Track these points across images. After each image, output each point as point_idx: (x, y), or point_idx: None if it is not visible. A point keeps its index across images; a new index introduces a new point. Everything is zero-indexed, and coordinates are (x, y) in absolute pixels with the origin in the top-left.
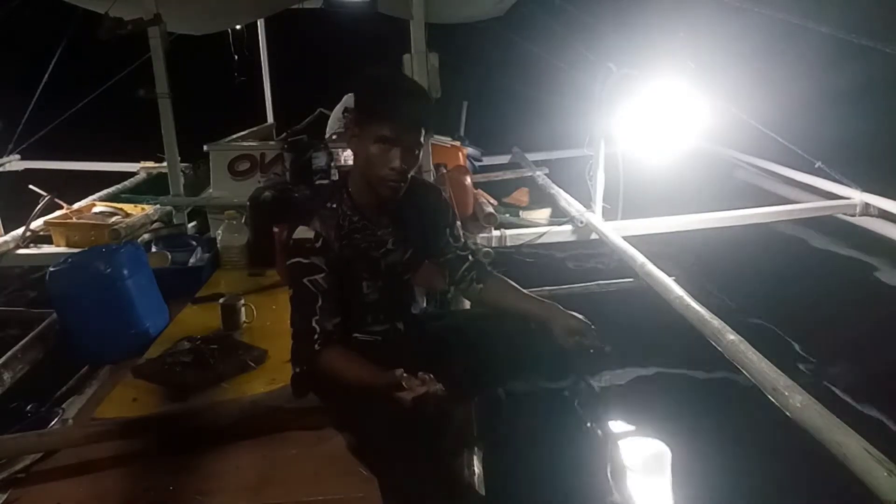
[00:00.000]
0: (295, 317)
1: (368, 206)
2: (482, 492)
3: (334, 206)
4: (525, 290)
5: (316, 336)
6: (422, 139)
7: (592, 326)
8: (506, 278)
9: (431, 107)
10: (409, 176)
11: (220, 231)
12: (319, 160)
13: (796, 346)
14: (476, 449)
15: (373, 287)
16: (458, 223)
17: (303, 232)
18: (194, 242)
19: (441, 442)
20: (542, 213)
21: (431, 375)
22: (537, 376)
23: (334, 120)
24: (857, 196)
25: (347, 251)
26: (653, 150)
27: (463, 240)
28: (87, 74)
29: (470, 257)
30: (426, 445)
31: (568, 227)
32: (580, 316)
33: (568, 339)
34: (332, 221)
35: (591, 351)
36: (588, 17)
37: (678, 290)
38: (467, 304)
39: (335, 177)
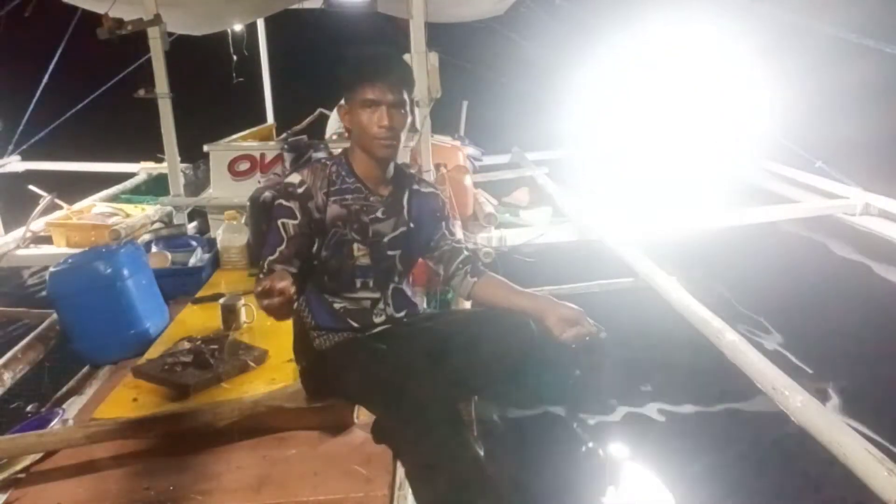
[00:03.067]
0: (262, 248)
1: (366, 175)
2: None
3: (329, 163)
4: (518, 287)
5: (264, 272)
6: (405, 97)
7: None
8: (499, 276)
9: (408, 67)
10: (401, 136)
11: (220, 231)
12: None
13: (796, 346)
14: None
15: (364, 251)
16: (458, 223)
17: (292, 178)
18: (194, 242)
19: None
20: (542, 213)
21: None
22: (537, 375)
23: (334, 120)
24: (857, 196)
25: (336, 208)
26: (653, 149)
27: (459, 235)
28: (88, 74)
29: (465, 251)
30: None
31: (568, 227)
32: (573, 305)
33: (565, 329)
34: (321, 174)
35: (588, 338)
36: (588, 17)
37: (678, 290)
38: (468, 305)
39: None
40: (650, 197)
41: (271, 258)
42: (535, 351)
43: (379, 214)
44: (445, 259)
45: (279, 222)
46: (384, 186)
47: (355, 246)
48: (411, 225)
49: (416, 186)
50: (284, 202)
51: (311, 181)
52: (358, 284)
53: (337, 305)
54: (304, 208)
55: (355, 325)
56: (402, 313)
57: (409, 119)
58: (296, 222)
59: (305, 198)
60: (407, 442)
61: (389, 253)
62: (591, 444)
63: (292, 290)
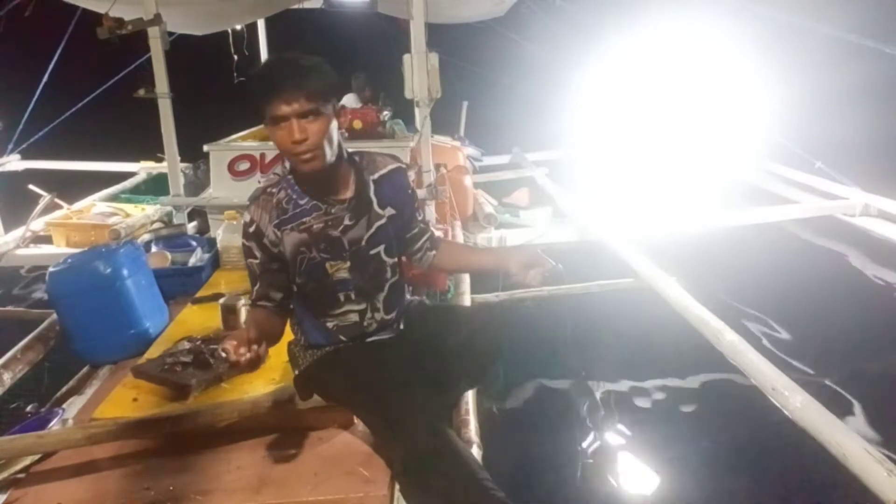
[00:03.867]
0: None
1: (318, 189)
2: None
3: (274, 191)
4: (474, 247)
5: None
6: (314, 103)
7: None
8: (452, 241)
9: (310, 67)
10: (324, 144)
11: (220, 231)
12: None
13: (796, 346)
14: (475, 448)
15: (339, 266)
16: (458, 224)
17: (245, 216)
18: (194, 242)
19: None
20: (542, 214)
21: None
22: (531, 362)
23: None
24: (857, 196)
25: (295, 235)
26: (653, 149)
27: (422, 214)
28: (87, 74)
29: (428, 231)
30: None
31: (568, 228)
32: (527, 247)
33: (527, 272)
34: (268, 205)
35: (550, 275)
36: (588, 18)
37: (678, 290)
38: (468, 302)
39: None
40: (650, 197)
41: (251, 299)
42: (504, 338)
43: (347, 222)
44: (414, 240)
45: (247, 262)
46: (343, 190)
47: (327, 265)
48: (390, 210)
49: (377, 174)
50: (246, 242)
51: (259, 217)
52: (342, 299)
53: (329, 324)
54: (261, 246)
55: (348, 340)
56: (393, 314)
57: (333, 123)
58: (258, 261)
59: (258, 236)
60: (395, 458)
61: (372, 252)
62: (590, 444)
63: (256, 346)
